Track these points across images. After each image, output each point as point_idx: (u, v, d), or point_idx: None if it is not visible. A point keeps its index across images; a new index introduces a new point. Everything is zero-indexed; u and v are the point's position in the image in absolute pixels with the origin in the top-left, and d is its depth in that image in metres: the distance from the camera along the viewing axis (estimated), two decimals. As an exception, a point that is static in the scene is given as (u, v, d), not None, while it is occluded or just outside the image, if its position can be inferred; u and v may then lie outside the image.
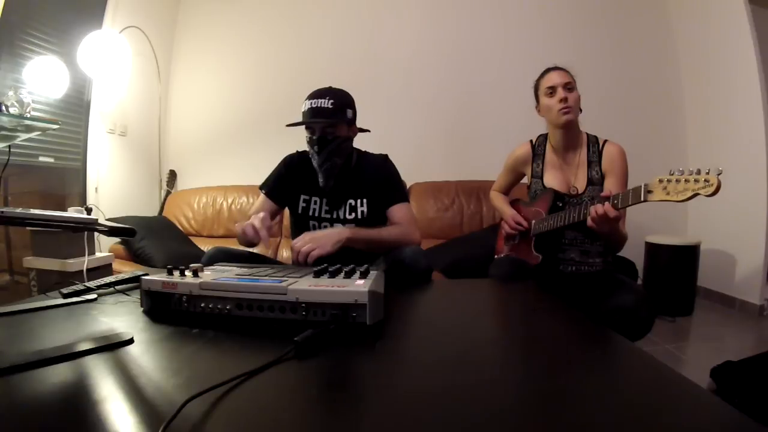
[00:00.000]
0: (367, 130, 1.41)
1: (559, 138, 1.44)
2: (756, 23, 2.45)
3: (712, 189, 0.92)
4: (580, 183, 1.41)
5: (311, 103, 1.26)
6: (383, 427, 0.44)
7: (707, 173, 0.93)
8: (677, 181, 0.97)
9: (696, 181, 0.94)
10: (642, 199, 1.04)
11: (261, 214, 1.15)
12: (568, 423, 0.45)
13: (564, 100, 1.36)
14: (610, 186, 1.34)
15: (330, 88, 1.32)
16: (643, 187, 1.04)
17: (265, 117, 3.12)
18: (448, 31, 3.06)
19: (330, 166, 1.30)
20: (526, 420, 0.46)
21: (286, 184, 1.40)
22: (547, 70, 1.44)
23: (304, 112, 1.28)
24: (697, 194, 0.94)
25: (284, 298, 0.71)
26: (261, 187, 1.43)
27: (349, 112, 1.32)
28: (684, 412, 0.47)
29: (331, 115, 1.26)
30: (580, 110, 1.42)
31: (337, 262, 0.95)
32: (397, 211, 1.36)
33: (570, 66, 1.43)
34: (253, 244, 1.22)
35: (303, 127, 1.30)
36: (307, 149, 1.35)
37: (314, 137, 1.28)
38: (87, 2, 2.57)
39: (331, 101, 1.26)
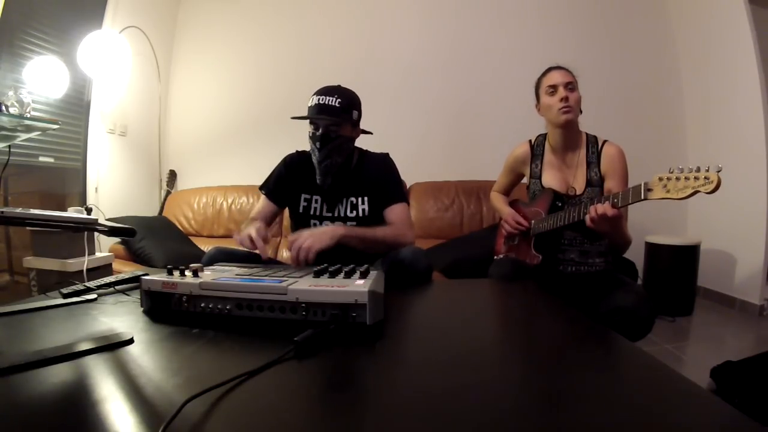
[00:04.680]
0: (370, 133, 1.40)
1: (559, 138, 1.43)
2: (756, 23, 2.45)
3: (712, 186, 0.92)
4: (579, 184, 1.40)
5: (319, 99, 1.26)
6: (383, 427, 0.44)
7: (707, 170, 0.93)
8: (677, 179, 0.97)
9: (696, 178, 0.94)
10: (642, 197, 1.04)
11: (257, 224, 1.17)
12: (568, 423, 0.44)
13: (565, 99, 1.35)
14: (611, 188, 1.33)
15: (339, 86, 1.31)
16: (643, 185, 1.04)
17: (265, 117, 3.13)
18: (449, 31, 3.06)
19: (329, 164, 1.30)
20: (526, 420, 0.46)
21: (287, 184, 1.40)
22: (550, 69, 1.43)
23: (310, 107, 1.28)
24: (697, 191, 0.94)
25: (284, 298, 0.71)
26: (261, 188, 1.43)
27: (355, 114, 1.32)
28: (684, 412, 0.47)
29: (337, 113, 1.26)
30: (581, 111, 1.41)
31: (337, 262, 0.95)
32: (393, 211, 1.36)
33: (570, 66, 1.43)
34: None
35: (307, 121, 1.30)
36: (309, 145, 1.35)
37: (317, 133, 1.28)
38: (87, 2, 2.57)
39: (339, 100, 1.26)
